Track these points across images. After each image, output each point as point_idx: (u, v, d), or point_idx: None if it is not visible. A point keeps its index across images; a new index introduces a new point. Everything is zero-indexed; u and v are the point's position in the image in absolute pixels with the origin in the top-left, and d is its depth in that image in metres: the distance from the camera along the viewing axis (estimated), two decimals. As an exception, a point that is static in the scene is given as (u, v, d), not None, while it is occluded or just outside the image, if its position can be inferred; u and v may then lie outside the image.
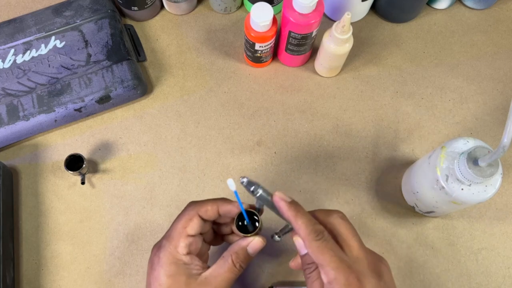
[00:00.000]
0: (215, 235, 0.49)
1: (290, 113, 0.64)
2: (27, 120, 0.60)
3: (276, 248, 0.57)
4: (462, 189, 0.46)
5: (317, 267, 0.40)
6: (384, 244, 0.58)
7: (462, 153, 0.46)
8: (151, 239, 0.58)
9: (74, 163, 0.57)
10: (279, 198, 0.41)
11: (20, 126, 0.60)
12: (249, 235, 0.44)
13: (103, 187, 0.60)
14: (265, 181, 0.60)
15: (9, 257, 0.55)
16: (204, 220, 0.44)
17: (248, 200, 0.45)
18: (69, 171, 0.56)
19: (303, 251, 0.42)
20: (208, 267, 0.43)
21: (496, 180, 0.47)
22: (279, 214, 0.42)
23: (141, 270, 0.56)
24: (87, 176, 0.60)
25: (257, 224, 0.44)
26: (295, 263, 0.45)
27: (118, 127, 0.63)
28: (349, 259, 0.39)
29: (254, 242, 0.44)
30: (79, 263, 0.57)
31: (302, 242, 0.41)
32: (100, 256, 0.57)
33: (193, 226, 0.43)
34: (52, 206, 0.59)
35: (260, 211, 0.45)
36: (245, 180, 0.41)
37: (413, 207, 0.58)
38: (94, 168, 0.61)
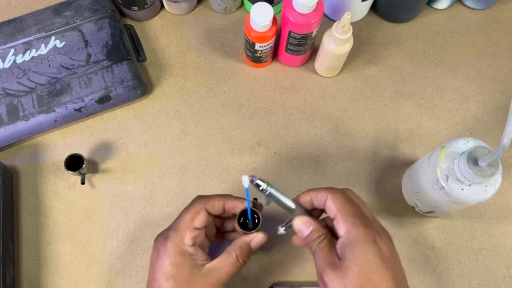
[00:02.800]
0: (217, 231, 0.51)
1: (290, 113, 0.64)
2: (27, 120, 0.60)
3: (276, 248, 0.57)
4: (462, 189, 0.46)
5: (326, 236, 0.41)
6: (384, 244, 0.58)
7: (462, 153, 0.46)
8: (151, 239, 0.58)
9: (74, 163, 0.57)
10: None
11: (20, 126, 0.60)
12: (251, 232, 0.46)
13: (103, 187, 0.60)
14: (265, 181, 0.60)
15: (9, 257, 0.55)
16: (210, 214, 0.46)
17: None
18: (69, 171, 0.56)
19: (306, 231, 0.42)
20: (212, 259, 0.44)
21: (496, 180, 0.47)
22: (287, 209, 0.44)
23: (141, 270, 0.56)
24: (87, 176, 0.60)
25: (257, 221, 0.47)
26: (298, 239, 0.45)
27: (118, 127, 0.63)
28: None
29: (257, 238, 0.46)
30: (79, 263, 0.57)
31: (302, 224, 0.43)
32: (100, 256, 0.57)
33: (200, 219, 0.45)
34: (52, 206, 0.59)
35: (258, 208, 0.48)
36: (256, 179, 0.42)
37: (413, 207, 0.58)
38: (94, 168, 0.61)
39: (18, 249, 0.57)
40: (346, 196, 0.42)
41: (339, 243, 0.40)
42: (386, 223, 0.58)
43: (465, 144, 0.48)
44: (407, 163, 0.61)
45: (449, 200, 0.48)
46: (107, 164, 0.61)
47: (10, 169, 0.61)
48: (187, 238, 0.44)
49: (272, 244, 0.58)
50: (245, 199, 0.46)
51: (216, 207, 0.46)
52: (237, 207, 0.46)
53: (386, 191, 0.60)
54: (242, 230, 0.47)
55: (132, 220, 0.59)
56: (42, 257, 0.57)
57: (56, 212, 0.59)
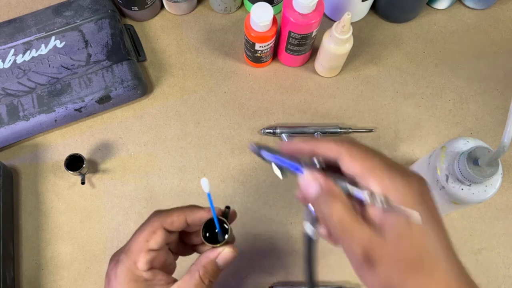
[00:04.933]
0: (183, 244, 0.44)
1: (290, 113, 0.64)
2: (27, 120, 0.60)
3: (276, 248, 0.57)
4: (462, 189, 0.46)
5: (342, 197, 0.32)
6: (384, 244, 0.57)
7: (462, 153, 0.46)
8: (151, 239, 0.58)
9: (74, 163, 0.57)
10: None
11: (20, 126, 0.60)
12: (218, 245, 0.39)
13: (103, 187, 0.60)
14: (265, 181, 0.60)
15: (9, 257, 0.55)
16: (170, 231, 0.39)
17: (218, 204, 0.41)
18: (69, 171, 0.56)
19: (313, 191, 0.33)
20: (175, 280, 0.39)
21: (496, 180, 0.47)
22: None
23: (141, 270, 0.56)
24: (87, 176, 0.60)
25: (226, 233, 0.39)
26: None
27: (118, 127, 0.63)
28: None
29: (223, 254, 0.38)
30: (79, 263, 0.57)
31: (307, 181, 0.34)
32: (100, 256, 0.57)
33: (157, 239, 0.38)
34: (52, 206, 0.59)
35: (228, 218, 0.40)
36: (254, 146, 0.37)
37: (413, 207, 0.58)
38: (94, 168, 0.61)
39: (18, 249, 0.57)
40: (361, 146, 0.33)
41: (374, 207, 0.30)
42: (386, 223, 0.58)
43: (465, 144, 0.48)
44: (407, 163, 0.61)
45: (449, 200, 0.48)
46: (107, 164, 0.61)
47: (10, 169, 0.61)
48: (141, 262, 0.37)
49: (272, 244, 0.58)
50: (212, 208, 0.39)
51: (176, 223, 0.39)
52: (203, 218, 0.39)
53: (386, 191, 0.60)
54: (208, 244, 0.39)
55: (132, 220, 0.59)
56: (42, 257, 0.57)
57: (56, 212, 0.59)
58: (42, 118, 0.60)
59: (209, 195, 0.36)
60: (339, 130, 0.62)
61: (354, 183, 0.32)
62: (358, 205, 0.32)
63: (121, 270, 0.37)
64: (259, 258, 0.57)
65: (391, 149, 0.62)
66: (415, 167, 0.56)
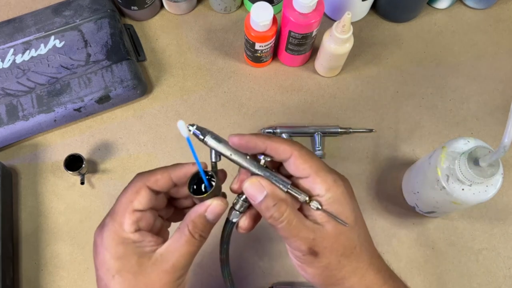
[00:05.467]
0: (175, 209, 0.42)
1: (290, 113, 0.64)
2: (26, 120, 0.60)
3: (276, 248, 0.57)
4: (463, 189, 0.46)
5: (287, 204, 0.35)
6: (385, 244, 0.57)
7: (463, 153, 0.46)
8: (151, 239, 0.58)
9: (73, 163, 0.57)
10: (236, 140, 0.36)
11: (19, 126, 0.60)
12: (205, 195, 0.36)
13: (102, 187, 0.60)
14: (265, 181, 0.60)
15: (9, 257, 0.55)
16: (156, 192, 0.38)
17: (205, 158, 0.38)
18: (69, 171, 0.56)
19: (259, 197, 0.35)
20: (165, 241, 0.37)
21: (497, 180, 0.46)
22: (238, 164, 0.37)
23: (141, 270, 0.56)
24: (86, 176, 0.60)
25: (213, 183, 0.36)
26: (238, 186, 0.38)
27: (118, 127, 0.63)
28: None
29: (212, 206, 0.36)
30: (78, 263, 0.57)
31: (254, 188, 0.35)
32: (100, 256, 0.57)
33: (141, 199, 0.36)
34: (52, 206, 0.59)
35: (221, 175, 0.39)
36: (193, 127, 0.36)
37: (414, 207, 0.58)
38: (94, 168, 0.61)
39: (18, 249, 0.57)
40: (307, 149, 0.36)
41: (323, 204, 0.35)
42: (386, 223, 0.58)
43: (466, 144, 0.48)
44: (407, 163, 0.61)
45: (449, 200, 0.48)
46: (106, 164, 0.61)
47: (10, 169, 0.60)
48: (127, 223, 0.35)
49: (272, 244, 0.57)
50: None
51: (160, 181, 0.37)
52: (188, 172, 0.37)
53: (387, 191, 0.60)
54: (194, 196, 0.36)
55: (131, 220, 0.59)
56: (42, 258, 0.57)
57: (55, 212, 0.59)
58: (41, 118, 0.60)
59: (188, 139, 0.33)
60: (339, 130, 0.62)
61: (294, 184, 0.36)
62: (296, 202, 0.36)
63: (107, 235, 0.36)
64: (259, 259, 0.57)
65: (391, 149, 0.62)
66: (416, 167, 0.56)
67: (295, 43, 0.61)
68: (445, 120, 0.64)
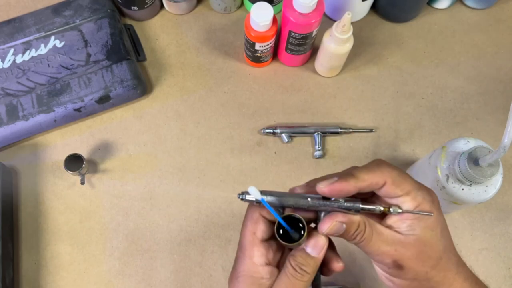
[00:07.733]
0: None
1: (290, 113, 0.64)
2: (26, 120, 0.60)
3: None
4: (463, 189, 0.46)
5: (365, 225, 0.35)
6: (385, 245, 0.57)
7: (463, 153, 0.46)
8: (151, 239, 0.58)
9: (73, 163, 0.57)
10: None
11: (19, 126, 0.60)
12: (295, 243, 0.35)
13: (102, 187, 0.60)
14: (265, 181, 0.60)
15: (9, 258, 0.55)
16: (268, 221, 0.37)
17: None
18: (69, 171, 0.56)
19: (340, 230, 0.35)
20: None
21: (497, 180, 0.46)
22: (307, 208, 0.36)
23: (141, 270, 0.56)
24: (86, 176, 0.60)
25: (302, 231, 0.35)
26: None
27: (118, 127, 0.63)
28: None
29: (313, 241, 0.35)
30: (78, 263, 0.57)
31: (336, 228, 0.34)
32: (100, 256, 0.57)
33: (261, 228, 0.36)
34: (52, 206, 0.59)
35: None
36: (245, 196, 0.35)
37: (414, 207, 0.58)
38: (94, 168, 0.61)
39: (18, 249, 0.57)
40: (397, 170, 0.36)
41: (408, 218, 0.35)
42: (386, 223, 0.58)
43: (466, 144, 0.48)
44: (407, 163, 0.61)
45: (449, 200, 0.48)
46: (106, 164, 0.61)
47: (10, 169, 0.60)
48: (256, 256, 0.35)
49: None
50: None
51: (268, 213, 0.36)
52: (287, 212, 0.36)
53: (387, 191, 0.60)
54: (284, 243, 0.35)
55: (132, 220, 0.59)
56: (42, 258, 0.57)
57: (55, 212, 0.59)
58: (41, 118, 0.60)
59: (263, 201, 0.33)
60: (339, 130, 0.62)
61: (364, 199, 0.36)
62: (375, 217, 0.36)
63: (242, 269, 0.35)
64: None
65: (391, 149, 0.62)
66: (416, 167, 0.56)
67: (295, 43, 0.61)
68: (445, 120, 0.64)
